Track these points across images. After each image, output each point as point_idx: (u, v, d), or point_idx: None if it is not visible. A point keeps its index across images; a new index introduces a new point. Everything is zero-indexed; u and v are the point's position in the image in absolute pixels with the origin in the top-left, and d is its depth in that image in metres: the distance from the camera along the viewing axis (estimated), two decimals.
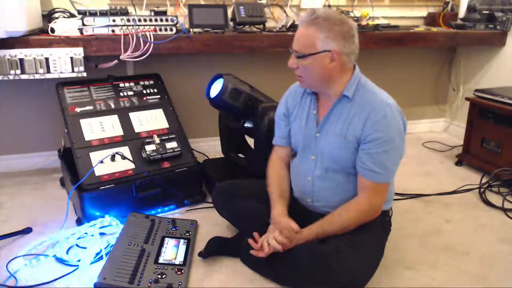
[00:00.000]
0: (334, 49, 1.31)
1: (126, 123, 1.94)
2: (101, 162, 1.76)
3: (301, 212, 1.54)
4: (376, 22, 2.52)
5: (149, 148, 1.86)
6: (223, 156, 2.20)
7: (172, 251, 1.53)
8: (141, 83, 2.12)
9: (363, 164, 1.36)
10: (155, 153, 1.85)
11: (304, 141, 1.49)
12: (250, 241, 1.42)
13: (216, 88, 1.85)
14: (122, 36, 1.88)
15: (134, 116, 1.98)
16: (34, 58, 1.79)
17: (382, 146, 1.33)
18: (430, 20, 2.82)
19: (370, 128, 1.33)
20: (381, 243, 1.48)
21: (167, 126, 2.00)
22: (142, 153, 1.85)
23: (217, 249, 1.56)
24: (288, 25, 2.32)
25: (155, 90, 2.11)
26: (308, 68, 1.35)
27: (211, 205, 1.89)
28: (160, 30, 1.98)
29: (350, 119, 1.38)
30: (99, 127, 1.88)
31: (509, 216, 1.92)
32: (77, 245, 1.62)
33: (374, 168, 1.34)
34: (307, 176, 1.49)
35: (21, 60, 1.78)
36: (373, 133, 1.33)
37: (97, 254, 1.52)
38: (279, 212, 1.44)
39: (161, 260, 1.47)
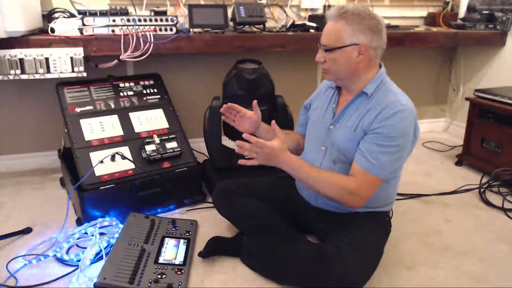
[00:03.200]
0: (362, 42, 1.33)
1: (126, 123, 1.94)
2: (101, 162, 1.76)
3: (305, 209, 1.57)
4: None
5: (149, 148, 1.86)
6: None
7: (172, 251, 1.53)
8: (141, 83, 2.12)
9: (360, 150, 1.37)
10: (155, 153, 1.85)
11: (317, 131, 1.52)
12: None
13: (254, 64, 1.96)
14: (122, 36, 1.88)
15: (134, 116, 1.98)
16: (34, 58, 1.79)
17: (382, 140, 1.33)
18: (430, 20, 2.82)
19: (378, 123, 1.34)
20: (381, 243, 1.49)
21: (167, 126, 2.00)
22: (142, 153, 1.85)
23: (217, 249, 1.56)
24: (288, 25, 2.32)
25: (155, 90, 2.11)
26: (336, 61, 1.38)
27: (211, 205, 1.89)
28: (160, 30, 1.98)
29: (364, 114, 1.39)
30: (99, 127, 1.88)
31: (509, 216, 1.92)
32: (77, 245, 1.62)
33: (368, 157, 1.34)
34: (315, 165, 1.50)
35: (21, 60, 1.78)
36: (379, 127, 1.34)
37: (97, 254, 1.52)
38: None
39: (161, 260, 1.46)
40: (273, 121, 1.42)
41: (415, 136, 1.41)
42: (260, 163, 1.36)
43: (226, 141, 2.07)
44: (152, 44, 1.92)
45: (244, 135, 1.34)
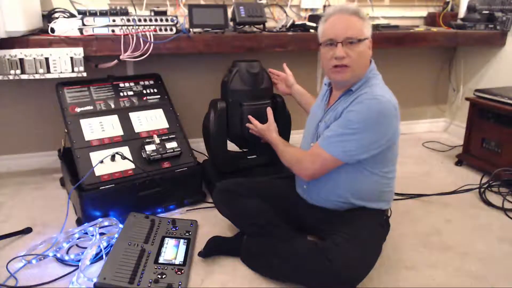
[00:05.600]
0: (370, 37, 1.42)
1: (126, 123, 1.94)
2: (101, 162, 1.76)
3: (304, 209, 1.59)
4: (376, 22, 2.52)
5: (149, 148, 1.86)
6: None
7: (172, 251, 1.53)
8: (141, 83, 2.12)
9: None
10: (155, 153, 1.85)
11: (309, 127, 1.58)
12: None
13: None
14: (122, 36, 1.88)
15: (134, 116, 1.98)
16: (34, 58, 1.79)
17: (341, 122, 1.39)
18: (430, 20, 2.82)
19: (347, 109, 1.39)
20: (379, 240, 1.50)
21: (167, 126, 2.00)
22: (142, 153, 1.85)
23: (217, 249, 1.56)
24: (288, 25, 2.32)
25: (155, 90, 2.11)
26: (361, 54, 1.40)
27: (211, 205, 1.89)
28: (160, 30, 1.98)
29: (339, 108, 1.43)
30: (99, 127, 1.88)
31: (509, 216, 1.92)
32: (77, 245, 1.62)
33: (324, 134, 1.43)
34: None
35: (21, 60, 1.78)
36: (346, 113, 1.39)
37: (97, 254, 1.52)
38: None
39: (161, 260, 1.47)
40: (269, 109, 1.82)
41: (382, 126, 1.37)
42: (258, 135, 1.83)
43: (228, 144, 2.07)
44: (152, 44, 1.92)
45: (249, 117, 1.85)
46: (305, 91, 1.95)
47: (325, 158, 1.41)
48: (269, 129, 1.74)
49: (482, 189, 2.11)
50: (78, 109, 1.91)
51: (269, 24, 2.39)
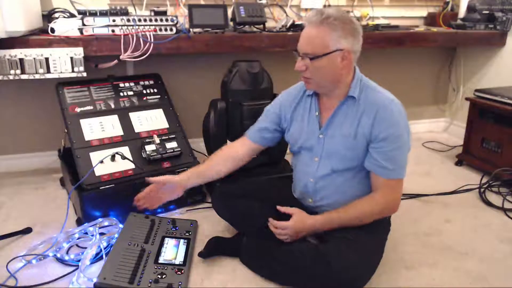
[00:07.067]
0: (345, 47, 1.32)
1: (126, 123, 1.94)
2: (101, 162, 1.76)
3: (304, 210, 1.54)
4: (376, 22, 2.52)
5: (149, 148, 1.86)
6: None
7: (172, 251, 1.53)
8: (141, 83, 2.12)
9: (375, 161, 1.36)
10: (155, 153, 1.85)
11: (307, 143, 1.49)
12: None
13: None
14: (122, 36, 1.88)
15: (134, 116, 1.98)
16: (34, 58, 1.79)
17: (394, 143, 1.34)
18: (430, 20, 2.82)
19: (380, 126, 1.34)
20: (381, 243, 1.48)
21: (167, 126, 2.00)
22: (142, 153, 1.85)
23: (217, 249, 1.56)
24: (288, 25, 2.31)
25: (155, 90, 2.11)
26: (321, 69, 1.35)
27: (211, 205, 1.89)
28: (160, 30, 1.98)
29: (359, 119, 1.38)
30: (99, 127, 1.88)
31: (509, 216, 1.91)
32: (77, 245, 1.62)
33: (387, 165, 1.35)
34: (310, 178, 1.49)
35: (21, 60, 1.78)
36: (383, 131, 1.34)
37: (97, 254, 1.52)
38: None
39: (161, 260, 1.46)
40: (278, 208, 1.50)
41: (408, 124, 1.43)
42: (296, 238, 1.44)
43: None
44: (152, 44, 1.92)
45: (270, 221, 1.47)
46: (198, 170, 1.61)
47: (400, 183, 1.41)
48: (301, 221, 1.44)
49: (482, 189, 2.11)
50: (78, 109, 1.91)
51: (269, 24, 2.39)
